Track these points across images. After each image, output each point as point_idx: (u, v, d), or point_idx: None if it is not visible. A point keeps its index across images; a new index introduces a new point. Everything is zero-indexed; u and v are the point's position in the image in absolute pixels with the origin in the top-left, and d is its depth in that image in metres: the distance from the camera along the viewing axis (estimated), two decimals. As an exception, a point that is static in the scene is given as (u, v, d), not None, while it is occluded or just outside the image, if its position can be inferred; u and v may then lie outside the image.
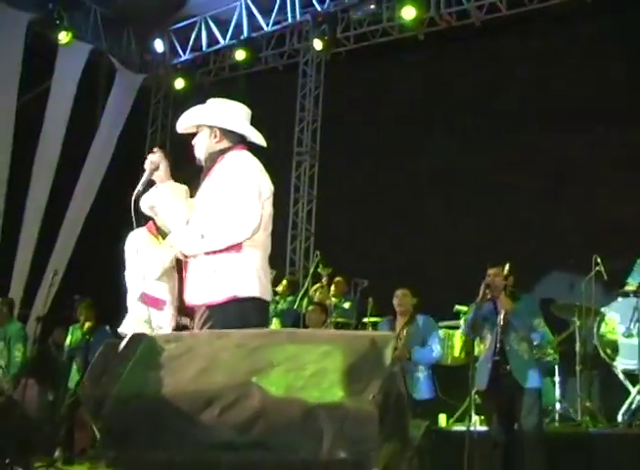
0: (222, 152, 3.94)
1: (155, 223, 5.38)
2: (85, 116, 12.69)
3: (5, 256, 11.11)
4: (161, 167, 3.92)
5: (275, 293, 9.78)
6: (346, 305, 9.58)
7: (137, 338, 2.59)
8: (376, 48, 12.22)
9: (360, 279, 8.79)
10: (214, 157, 3.93)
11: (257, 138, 4.05)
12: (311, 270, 10.36)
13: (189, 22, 13.11)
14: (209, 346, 2.53)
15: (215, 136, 3.94)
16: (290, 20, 12.34)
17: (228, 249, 3.72)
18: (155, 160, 3.92)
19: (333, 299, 9.73)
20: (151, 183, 3.97)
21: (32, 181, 11.60)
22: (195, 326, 3.70)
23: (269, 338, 2.51)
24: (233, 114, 4.03)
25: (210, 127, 3.94)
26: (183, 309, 5.02)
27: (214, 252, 3.72)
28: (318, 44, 11.76)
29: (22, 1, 11.28)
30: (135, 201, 3.92)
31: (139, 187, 3.92)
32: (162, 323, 5.06)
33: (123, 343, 2.58)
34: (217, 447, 2.32)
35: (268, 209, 3.89)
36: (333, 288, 9.79)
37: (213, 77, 13.66)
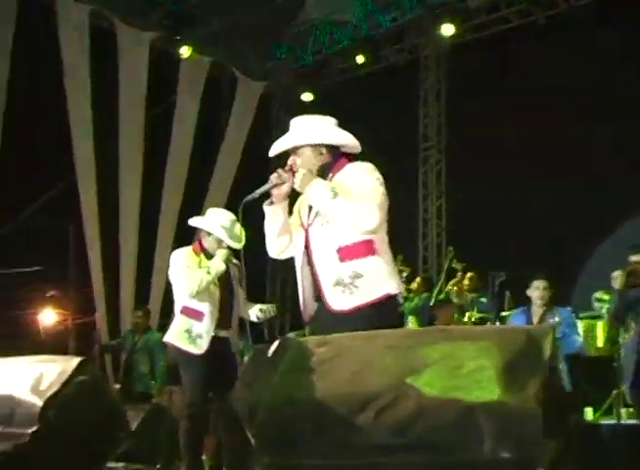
0: (329, 167, 3.87)
1: (200, 243, 5.64)
2: (210, 127, 12.93)
3: (143, 268, 11.43)
4: (286, 186, 3.85)
5: (409, 291, 9.73)
6: (484, 300, 9.40)
7: (286, 343, 2.57)
8: (496, 37, 11.93)
9: (497, 272, 8.58)
10: (322, 174, 3.84)
11: (356, 147, 3.99)
12: (445, 266, 10.21)
13: (307, 25, 13.12)
14: (361, 348, 2.47)
15: (321, 153, 3.87)
16: (408, 14, 12.16)
17: (365, 253, 3.70)
18: (284, 175, 3.85)
19: (468, 294, 9.59)
20: (266, 195, 3.91)
21: (164, 194, 11.93)
22: (331, 332, 3.68)
23: (422, 337, 2.43)
24: (331, 127, 3.96)
25: (314, 146, 3.87)
26: (222, 323, 5.52)
27: (351, 258, 3.69)
28: (447, 30, 11.51)
29: (144, 21, 11.59)
30: (244, 206, 3.89)
31: (254, 195, 3.87)
32: (202, 333, 5.44)
33: (272, 348, 2.56)
34: (374, 451, 2.25)
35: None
36: (467, 282, 9.64)
37: (335, 79, 13.64)
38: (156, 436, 6.19)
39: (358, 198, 3.64)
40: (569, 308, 7.13)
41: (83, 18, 10.85)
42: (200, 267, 5.47)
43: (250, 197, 3.86)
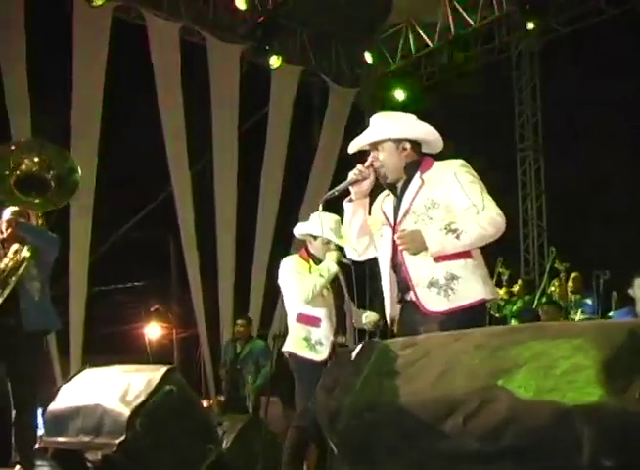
0: (415, 165, 3.75)
1: (307, 249, 5.46)
2: (304, 136, 12.94)
3: (243, 278, 11.50)
4: (368, 182, 3.77)
5: (511, 293, 9.48)
6: (588, 301, 9.09)
7: (369, 346, 2.44)
8: (589, 30, 11.55)
9: (601, 271, 8.24)
10: (409, 172, 3.74)
11: (438, 144, 3.87)
12: (547, 267, 9.89)
13: (395, 29, 12.99)
14: (447, 348, 2.31)
15: (404, 148, 3.75)
16: (497, 12, 11.87)
17: (462, 255, 3.58)
18: (365, 171, 3.75)
19: (572, 295, 9.28)
20: (346, 193, 3.81)
21: (260, 205, 11.96)
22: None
23: (512, 335, 2.25)
24: (414, 121, 3.85)
25: (397, 140, 3.74)
26: (339, 329, 5.30)
27: (447, 259, 3.57)
28: (530, 25, 11.21)
29: (233, 34, 11.68)
30: (324, 204, 3.83)
31: (334, 191, 3.78)
32: (321, 338, 5.23)
33: (355, 352, 2.44)
34: (465, 459, 2.10)
35: None
36: (571, 283, 9.33)
37: (426, 82, 13.45)
38: (252, 449, 6.12)
39: (473, 215, 3.53)
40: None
41: (174, 34, 10.97)
42: (310, 273, 5.31)
43: (329, 194, 3.77)
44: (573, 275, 9.35)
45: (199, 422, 3.75)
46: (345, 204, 3.81)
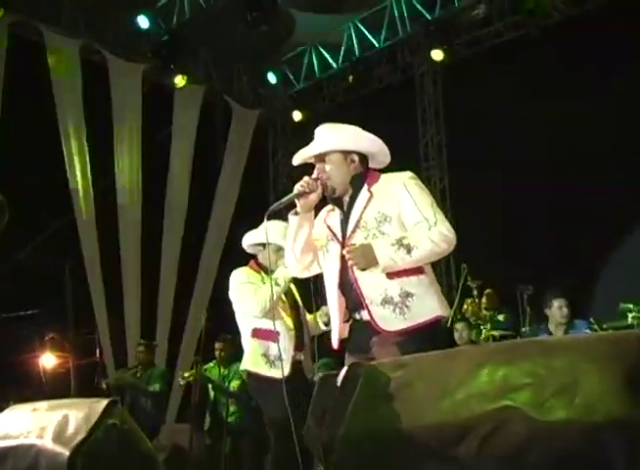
0: (362, 178, 3.65)
1: (256, 261, 5.22)
2: (207, 156, 12.72)
3: (148, 304, 11.18)
4: (315, 195, 3.64)
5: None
6: (501, 318, 9.15)
7: (356, 368, 2.27)
8: (490, 51, 11.79)
9: (525, 285, 8.29)
10: (355, 185, 3.64)
11: (386, 158, 3.80)
12: (460, 285, 9.91)
13: (299, 50, 12.95)
14: (445, 369, 2.17)
15: (353, 161, 3.66)
16: (400, 34, 11.98)
17: (416, 271, 3.48)
18: (312, 183, 3.62)
19: (485, 312, 9.31)
20: (290, 206, 3.68)
21: (165, 225, 11.66)
22: (379, 355, 3.37)
23: (516, 351, 2.13)
24: (363, 133, 3.76)
25: (346, 152, 3.65)
26: (297, 344, 5.00)
27: (400, 276, 3.45)
28: (438, 55, 11.36)
29: (135, 52, 11.40)
30: (269, 216, 3.68)
31: (279, 203, 3.65)
32: (281, 354, 4.82)
33: (341, 375, 2.27)
34: (482, 487, 1.96)
35: None
36: (484, 300, 9.36)
37: (329, 103, 13.43)
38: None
39: (425, 231, 3.44)
40: (587, 320, 6.95)
41: (74, 52, 10.61)
42: (264, 283, 4.99)
43: (275, 206, 3.63)
44: (487, 291, 9.39)
45: (144, 457, 3.49)
46: (290, 217, 3.67)
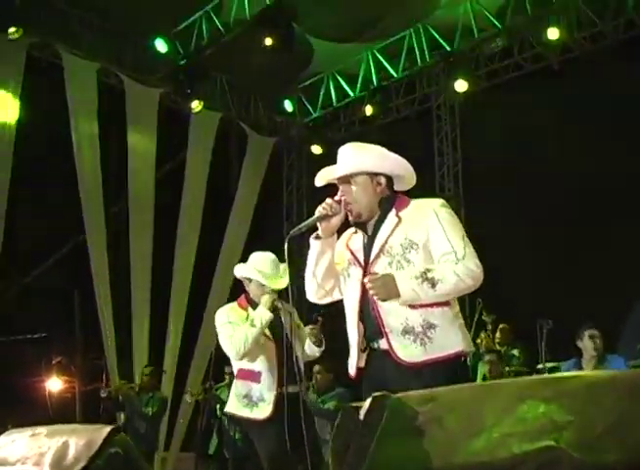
0: (390, 202, 3.48)
1: (247, 296, 5.07)
2: (221, 183, 12.62)
3: (158, 331, 11.04)
4: (337, 218, 3.46)
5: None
6: (515, 352, 8.97)
7: (381, 400, 2.08)
8: (509, 83, 11.70)
9: (544, 320, 8.09)
10: (383, 208, 3.47)
11: (412, 180, 3.63)
12: (475, 319, 9.72)
13: (316, 78, 12.87)
14: (478, 403, 1.97)
15: (379, 183, 3.48)
16: (419, 63, 11.88)
17: (439, 302, 3.30)
18: (335, 206, 3.44)
19: (498, 347, 9.13)
20: (313, 229, 3.51)
21: (177, 253, 11.53)
22: (397, 387, 3.18)
23: (557, 386, 1.94)
24: (390, 154, 3.59)
25: (372, 174, 3.48)
26: (287, 378, 4.79)
27: (424, 306, 3.27)
28: (461, 86, 11.21)
29: (152, 76, 11.35)
30: (290, 241, 3.49)
31: (301, 227, 3.48)
32: (263, 394, 4.84)
33: (364, 408, 2.09)
34: None
35: None
36: (498, 335, 9.20)
37: (345, 133, 13.32)
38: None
39: (452, 264, 3.26)
40: (620, 357, 6.76)
41: (92, 75, 10.55)
42: (246, 321, 4.88)
43: (296, 229, 3.46)
44: (501, 326, 9.24)
45: (147, 489, 3.30)
46: (312, 241, 3.49)
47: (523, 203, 10.79)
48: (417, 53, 11.87)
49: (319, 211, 3.42)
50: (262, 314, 4.83)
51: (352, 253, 3.50)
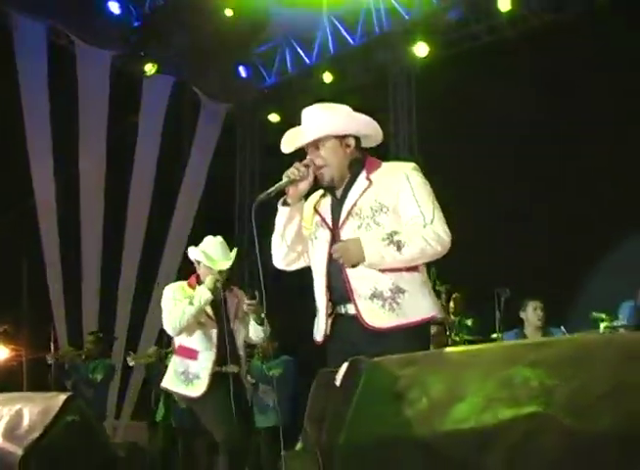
0: (360, 164, 3.38)
1: (197, 277, 5.18)
2: (174, 148, 12.40)
3: (107, 295, 10.87)
4: (306, 183, 3.35)
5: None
6: (469, 322, 8.97)
7: (356, 365, 1.99)
8: (466, 53, 11.64)
9: (502, 288, 8.07)
10: (353, 169, 3.37)
11: (379, 137, 3.55)
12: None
13: (272, 44, 12.67)
14: (462, 367, 1.90)
15: (348, 145, 3.38)
16: (377, 31, 11.75)
17: (410, 267, 3.23)
18: (303, 171, 3.32)
19: (452, 317, 9.13)
20: (280, 194, 3.40)
21: (128, 218, 11.33)
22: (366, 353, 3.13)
23: (545, 350, 1.85)
24: (357, 114, 3.50)
25: (341, 137, 3.37)
26: (226, 358, 4.95)
27: (393, 270, 3.20)
28: (422, 49, 11.09)
29: (104, 39, 11.04)
30: (257, 206, 3.36)
31: (268, 192, 3.33)
32: (199, 372, 4.93)
33: (340, 373, 2.00)
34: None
35: None
36: (452, 304, 9.19)
37: (300, 100, 13.13)
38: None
39: (419, 228, 3.19)
40: (561, 329, 6.82)
41: (41, 34, 10.23)
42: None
43: (264, 195, 3.31)
44: (454, 296, 9.21)
45: (104, 457, 3.18)
46: (280, 207, 3.39)
47: (478, 172, 10.76)
48: (374, 20, 11.73)
49: (287, 175, 3.31)
50: (202, 294, 4.95)
51: (320, 215, 3.41)
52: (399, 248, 3.14)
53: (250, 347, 5.89)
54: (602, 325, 7.31)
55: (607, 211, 9.45)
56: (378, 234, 3.18)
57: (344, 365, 2.05)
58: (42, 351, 10.60)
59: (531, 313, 6.71)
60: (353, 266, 3.17)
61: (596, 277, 9.44)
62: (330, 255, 3.27)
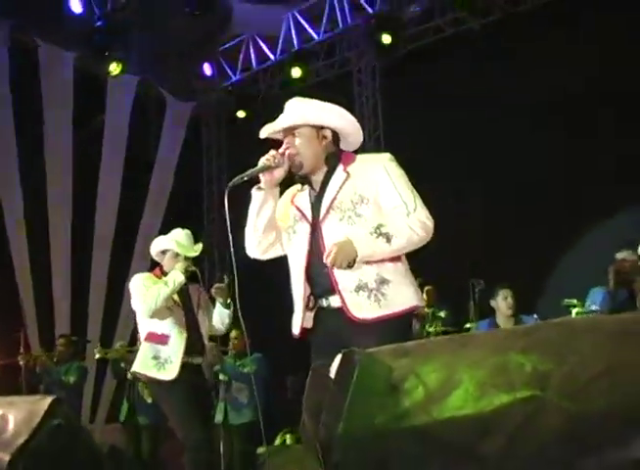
0: (336, 156, 3.42)
1: (161, 268, 5.32)
2: (140, 148, 12.35)
3: (79, 299, 10.80)
4: (280, 170, 3.39)
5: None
6: (442, 314, 9.05)
7: (350, 357, 2.00)
8: (431, 46, 11.69)
9: (476, 280, 8.15)
10: (330, 162, 3.41)
11: (359, 139, 3.61)
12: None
13: (236, 41, 12.64)
14: (455, 355, 1.93)
15: (324, 137, 3.42)
16: (340, 26, 11.77)
17: (393, 258, 3.28)
18: (278, 158, 3.36)
19: (426, 309, 9.19)
20: (254, 181, 3.42)
21: (97, 219, 11.27)
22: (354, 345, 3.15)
23: (534, 335, 1.89)
24: (339, 110, 3.55)
25: (317, 127, 3.42)
26: (194, 348, 5.13)
27: (378, 262, 3.25)
28: (386, 39, 11.08)
29: (68, 39, 10.93)
30: (229, 191, 3.37)
31: (242, 176, 3.36)
32: (170, 356, 5.04)
33: (334, 366, 2.01)
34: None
35: None
36: (425, 297, 9.25)
37: (264, 96, 13.12)
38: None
39: (403, 217, 3.25)
40: (534, 316, 6.87)
41: (4, 34, 10.12)
42: None
43: (237, 179, 3.34)
44: (427, 288, 9.27)
45: (91, 460, 3.17)
46: (254, 192, 3.42)
47: (444, 166, 10.84)
48: (338, 15, 11.74)
49: (262, 162, 3.35)
50: (176, 276, 5.08)
51: (299, 209, 3.43)
52: (389, 239, 3.22)
53: (214, 339, 5.95)
54: (574, 311, 7.40)
55: (576, 198, 9.56)
56: (364, 227, 3.22)
57: (338, 357, 2.06)
58: (13, 355, 10.51)
59: (502, 302, 6.77)
60: (349, 267, 3.18)
61: (566, 264, 9.56)
62: (310, 248, 3.30)
